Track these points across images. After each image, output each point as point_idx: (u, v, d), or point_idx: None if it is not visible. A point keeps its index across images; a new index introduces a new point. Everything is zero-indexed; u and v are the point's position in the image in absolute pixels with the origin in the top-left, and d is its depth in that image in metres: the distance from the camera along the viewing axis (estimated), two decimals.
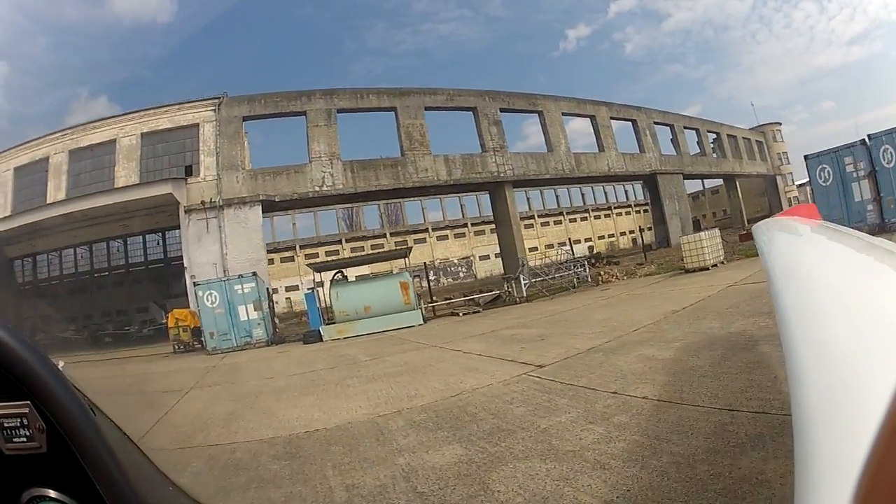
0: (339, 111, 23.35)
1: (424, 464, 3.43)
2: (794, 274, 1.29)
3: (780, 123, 42.39)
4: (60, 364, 0.70)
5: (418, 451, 3.72)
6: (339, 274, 18.95)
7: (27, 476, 0.68)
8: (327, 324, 16.82)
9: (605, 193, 51.40)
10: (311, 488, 3.35)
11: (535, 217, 45.66)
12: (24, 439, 0.65)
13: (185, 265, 22.02)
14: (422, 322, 16.14)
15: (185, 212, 21.90)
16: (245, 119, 23.02)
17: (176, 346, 18.89)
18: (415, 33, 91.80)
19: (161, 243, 33.82)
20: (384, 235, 43.24)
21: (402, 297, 17.19)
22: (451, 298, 21.30)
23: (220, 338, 17.63)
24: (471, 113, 25.16)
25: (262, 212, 22.30)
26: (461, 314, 17.42)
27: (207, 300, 18.19)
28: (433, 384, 6.07)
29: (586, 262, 21.87)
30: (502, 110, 25.36)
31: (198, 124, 22.98)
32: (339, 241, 43.44)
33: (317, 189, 22.59)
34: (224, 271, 21.32)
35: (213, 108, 23.00)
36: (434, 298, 20.54)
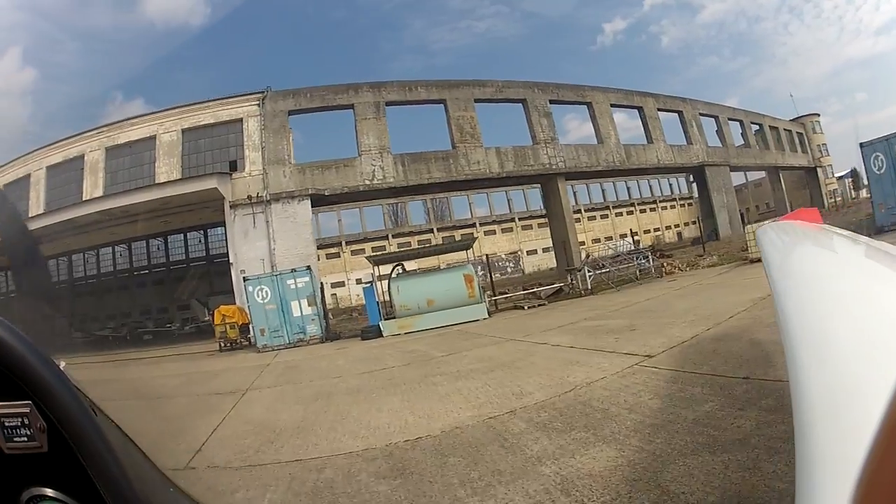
0: (388, 104, 22.47)
1: (578, 471, 2.93)
2: (796, 277, 1.28)
3: (819, 115, 41.76)
4: (62, 364, 0.67)
5: (562, 456, 3.20)
6: (399, 267, 17.98)
7: (28, 475, 0.67)
8: (387, 318, 15.95)
9: (650, 187, 50.55)
10: None
11: (582, 211, 44.65)
12: (25, 439, 0.64)
13: (230, 261, 21.04)
14: (486, 316, 15.35)
15: (231, 207, 20.94)
16: (290, 113, 22.10)
17: (222, 344, 17.88)
18: (452, 31, 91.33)
19: (203, 240, 32.78)
20: (430, 231, 42.24)
21: (467, 290, 16.29)
22: (506, 292, 20.36)
23: (272, 335, 16.66)
24: (520, 105, 24.35)
25: (312, 206, 21.27)
26: (526, 307, 16.70)
27: (258, 295, 17.25)
28: (537, 379, 5.48)
29: (650, 254, 21.10)
30: (551, 102, 24.59)
31: (241, 119, 22.10)
32: (386, 237, 42.44)
33: (367, 182, 21.65)
34: (272, 267, 20.39)
35: (257, 102, 22.13)
36: (494, 292, 19.53)
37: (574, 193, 43.00)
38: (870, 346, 0.67)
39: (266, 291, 17.27)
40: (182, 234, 32.34)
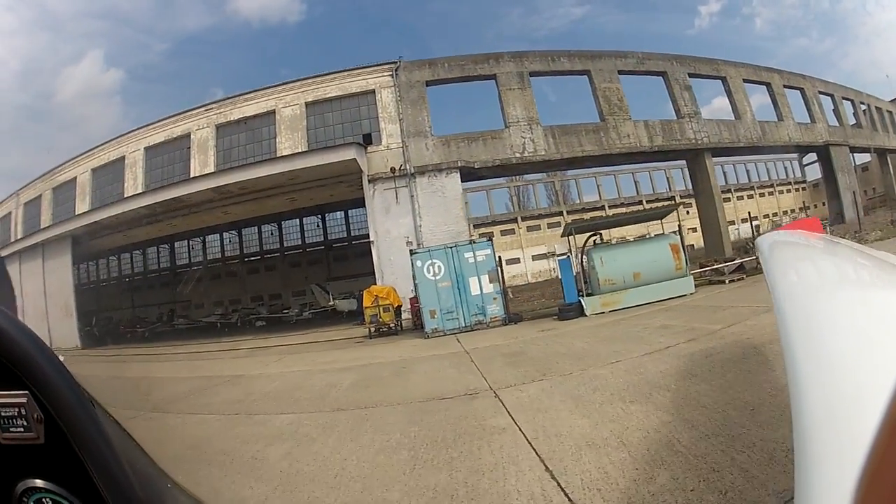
0: (532, 74, 20.28)
1: None
2: (797, 285, 1.27)
3: None
4: (61, 357, 0.65)
5: None
6: (596, 237, 15.48)
7: (23, 466, 0.65)
8: (588, 295, 13.65)
9: (767, 170, 48.73)
10: None
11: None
12: (22, 429, 0.62)
13: (371, 239, 18.41)
14: (693, 290, 13.34)
15: (370, 181, 18.29)
16: (428, 84, 19.71)
17: (373, 329, 15.46)
18: (550, 19, 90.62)
19: (321, 224, 29.84)
20: (560, 213, 39.65)
21: (674, 261, 13.86)
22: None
23: (444, 317, 14.04)
24: (659, 78, 22.44)
25: (461, 180, 18.72)
26: (727, 281, 14.89)
27: (428, 271, 14.49)
28: None
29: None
30: (690, 75, 22.73)
31: (374, 90, 19.72)
32: (515, 220, 39.51)
33: (518, 155, 19.28)
34: (418, 244, 17.77)
35: (390, 73, 19.76)
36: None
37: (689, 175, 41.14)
38: (868, 352, 0.66)
39: (439, 266, 14.63)
40: (298, 220, 29.43)
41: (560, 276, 15.02)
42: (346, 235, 30.44)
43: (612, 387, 4.97)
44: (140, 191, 20.55)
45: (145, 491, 0.66)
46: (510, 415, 4.54)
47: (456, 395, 5.73)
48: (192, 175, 19.84)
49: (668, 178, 44.30)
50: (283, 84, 20.20)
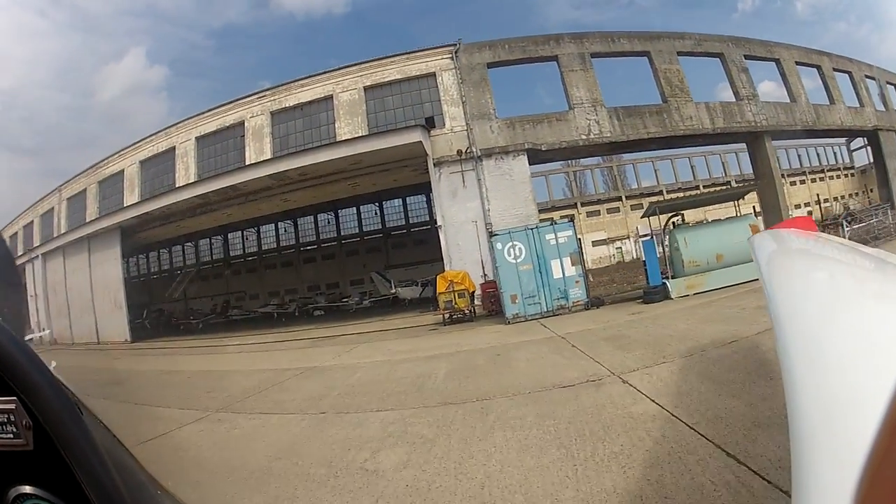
0: (593, 56, 19.76)
1: None
2: (791, 284, 1.26)
3: None
4: (52, 364, 0.66)
5: None
6: (677, 218, 14.95)
7: (13, 473, 0.65)
8: (672, 277, 13.14)
9: (817, 155, 47.82)
10: None
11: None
12: (11, 436, 0.62)
13: (438, 224, 17.83)
14: None
15: (435, 165, 17.70)
16: (489, 66, 19.18)
17: (447, 316, 14.94)
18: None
19: (379, 213, 29.15)
20: (619, 199, 39.03)
21: None
22: None
23: (525, 301, 13.44)
24: (717, 60, 21.97)
25: (528, 162, 18.13)
26: None
27: (509, 254, 13.87)
28: None
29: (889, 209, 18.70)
30: (746, 57, 22.26)
31: (434, 73, 19.17)
32: (574, 206, 38.76)
33: (583, 137, 18.72)
34: (487, 229, 17.19)
35: (450, 55, 19.24)
36: None
37: (738, 162, 40.34)
38: (865, 352, 0.65)
39: (520, 249, 14.00)
40: (355, 207, 28.78)
41: (644, 258, 14.51)
42: (404, 223, 30.00)
43: (742, 366, 4.68)
44: (193, 180, 19.88)
45: (134, 497, 0.65)
46: (653, 401, 4.14)
47: (577, 382, 5.21)
48: (247, 163, 19.21)
49: (723, 163, 43.58)
50: (340, 69, 19.63)
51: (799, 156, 48.47)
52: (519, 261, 13.71)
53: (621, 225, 38.92)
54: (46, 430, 0.61)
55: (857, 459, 0.32)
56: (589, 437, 3.54)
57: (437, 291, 15.69)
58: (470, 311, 15.10)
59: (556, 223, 14.54)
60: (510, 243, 13.86)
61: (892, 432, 0.30)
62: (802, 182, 47.76)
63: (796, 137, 26.19)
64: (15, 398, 0.61)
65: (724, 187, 32.96)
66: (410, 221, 30.18)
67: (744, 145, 24.11)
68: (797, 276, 1.35)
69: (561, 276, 13.59)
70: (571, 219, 14.97)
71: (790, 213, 22.02)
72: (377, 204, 28.01)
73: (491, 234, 14.59)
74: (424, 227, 28.43)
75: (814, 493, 0.45)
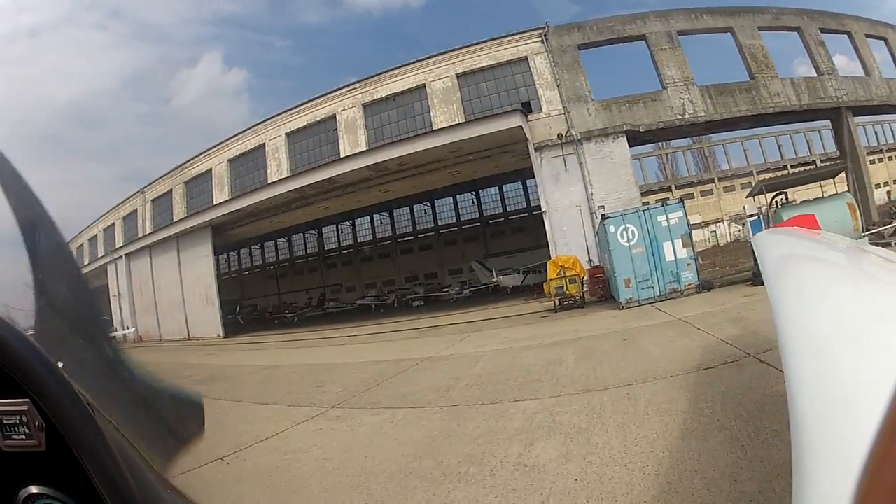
0: (679, 34, 19.60)
1: None
2: (794, 283, 1.26)
3: None
4: (60, 364, 0.65)
5: None
6: (780, 196, 14.82)
7: (25, 474, 0.65)
8: None
9: (892, 132, 46.60)
10: None
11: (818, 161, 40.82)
12: (24, 437, 0.63)
13: (543, 209, 17.74)
14: None
15: (536, 149, 17.61)
16: (580, 47, 19.02)
17: (558, 302, 14.76)
18: None
19: (476, 201, 28.99)
20: (711, 181, 38.67)
21: (852, 221, 13.19)
22: None
23: (640, 285, 13.21)
24: (794, 34, 21.79)
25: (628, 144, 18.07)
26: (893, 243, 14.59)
27: (622, 237, 13.68)
28: None
29: None
30: (822, 30, 22.08)
31: (526, 57, 19.01)
32: (668, 189, 38.16)
33: (679, 117, 18.64)
34: (591, 214, 17.12)
35: (539, 39, 19.09)
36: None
37: (808, 142, 39.85)
38: (867, 350, 0.65)
39: (632, 231, 13.73)
40: (451, 197, 28.62)
41: (751, 240, 14.37)
42: (501, 210, 29.84)
43: None
44: (286, 175, 19.76)
45: (145, 496, 0.65)
46: None
47: (716, 364, 5.02)
48: (341, 155, 19.10)
49: (808, 142, 42.65)
50: (431, 57, 19.47)
51: (876, 132, 46.31)
52: (632, 243, 13.41)
53: (715, 208, 38.11)
54: (59, 430, 0.61)
55: (857, 459, 0.32)
56: (747, 418, 3.39)
57: (548, 277, 15.62)
58: (580, 296, 14.94)
59: (667, 204, 14.29)
60: (623, 226, 13.54)
61: (892, 432, 0.30)
62: (880, 160, 45.19)
63: (875, 113, 26.07)
64: (28, 400, 0.61)
65: (811, 167, 32.54)
66: (508, 209, 30.00)
67: (826, 122, 23.98)
68: (800, 275, 1.35)
69: (673, 258, 13.27)
70: (682, 200, 14.87)
71: (873, 192, 22.00)
72: (474, 192, 27.81)
73: (603, 217, 14.36)
74: (522, 215, 28.48)
75: (814, 493, 0.45)
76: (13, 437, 0.63)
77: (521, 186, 28.55)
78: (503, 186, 29.07)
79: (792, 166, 40.74)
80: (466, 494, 2.93)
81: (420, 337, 13.44)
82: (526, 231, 27.46)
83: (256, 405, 6.57)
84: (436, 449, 3.81)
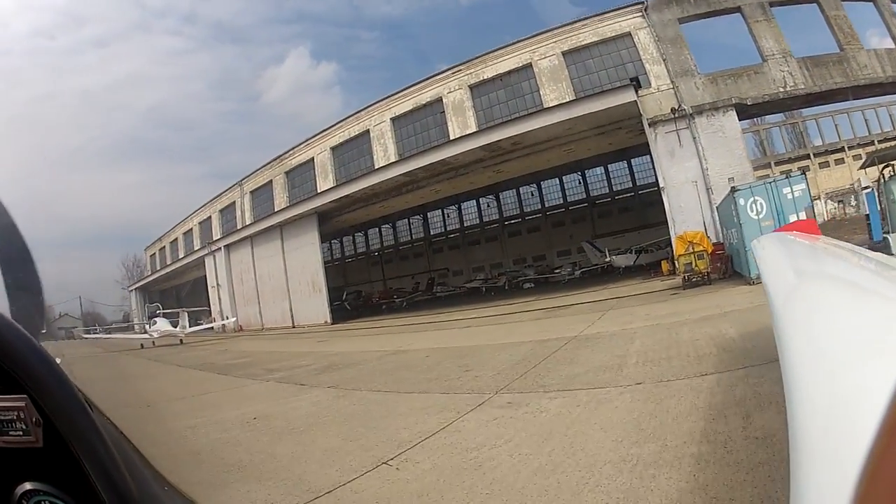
0: (770, 4, 19.70)
1: None
2: (792, 286, 1.26)
3: None
4: (58, 360, 0.65)
5: None
6: (888, 168, 14.89)
7: (21, 470, 0.64)
8: (890, 232, 12.68)
9: None
10: None
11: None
12: (21, 433, 0.62)
13: (660, 185, 17.83)
14: None
15: (650, 125, 17.70)
16: (680, 21, 19.04)
17: (687, 279, 14.57)
18: None
19: (582, 182, 28.83)
20: (808, 156, 38.22)
21: None
22: None
23: None
24: (870, 4, 21.98)
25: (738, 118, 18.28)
26: None
27: (751, 209, 13.69)
28: None
29: None
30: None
31: (629, 33, 18.94)
32: (768, 165, 37.38)
33: (781, 90, 18.82)
34: (707, 190, 17.29)
35: (640, 14, 19.03)
36: None
37: (852, 126, 39.50)
38: (865, 354, 0.65)
39: (761, 204, 13.59)
40: (557, 179, 28.41)
41: (867, 213, 14.22)
42: (607, 191, 29.57)
43: None
44: (393, 160, 19.62)
45: (142, 492, 0.65)
46: None
47: None
48: (451, 137, 19.01)
49: (891, 117, 42.17)
50: (535, 36, 19.34)
51: None
52: (761, 216, 13.04)
53: (812, 184, 37.59)
54: (56, 427, 0.61)
55: (855, 460, 0.32)
56: None
57: (676, 254, 15.61)
58: (707, 273, 14.64)
59: (791, 176, 14.11)
60: (752, 198, 13.25)
61: (890, 435, 0.30)
62: None
63: None
64: (25, 395, 0.61)
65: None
66: (613, 189, 29.69)
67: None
68: (798, 279, 1.35)
69: None
70: (804, 171, 15.02)
71: None
72: (580, 173, 27.68)
73: (733, 189, 14.26)
74: (628, 195, 28.44)
75: (812, 493, 0.46)
76: (10, 433, 0.62)
77: (627, 166, 28.51)
78: (608, 166, 28.94)
79: (879, 142, 38.92)
80: (716, 473, 2.59)
81: (549, 317, 12.76)
82: (632, 211, 27.53)
83: (402, 395, 5.77)
84: (648, 431, 3.39)
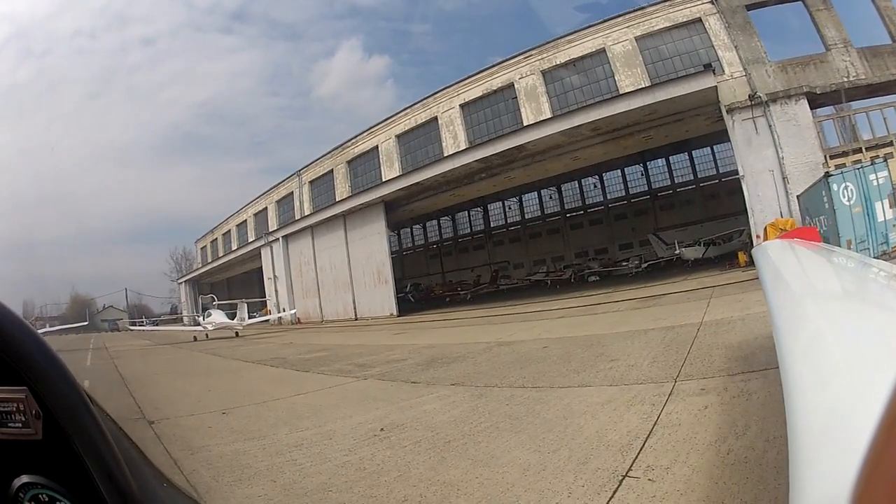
0: None
1: None
2: (792, 292, 1.26)
3: None
4: (59, 353, 0.63)
5: None
6: None
7: (20, 462, 0.63)
8: None
9: None
10: None
11: None
12: (20, 425, 0.60)
13: (740, 174, 17.40)
14: None
15: (727, 112, 17.18)
16: (748, 8, 18.49)
17: None
18: None
19: (644, 173, 27.79)
20: (860, 150, 37.84)
21: None
22: None
23: (858, 247, 12.61)
24: None
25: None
26: None
27: (844, 196, 13.46)
28: None
29: None
30: None
31: (699, 18, 18.29)
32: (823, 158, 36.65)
33: (845, 79, 18.55)
34: (783, 179, 16.97)
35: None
36: None
37: (870, 125, 40.06)
38: (862, 357, 0.65)
39: (851, 190, 13.31)
40: (619, 171, 27.34)
41: None
42: (669, 183, 28.56)
43: None
44: (464, 147, 18.52)
45: (141, 489, 0.63)
46: None
47: None
48: (524, 124, 18.03)
49: None
50: (605, 21, 18.45)
51: None
52: (851, 203, 12.86)
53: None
54: (56, 419, 0.59)
55: (854, 459, 0.31)
56: None
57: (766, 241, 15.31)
58: None
59: (875, 162, 14.01)
60: (843, 184, 12.99)
61: (888, 435, 0.30)
62: None
63: None
64: (25, 388, 0.58)
65: None
66: (676, 181, 28.47)
67: None
68: (798, 284, 1.36)
69: (883, 219, 12.73)
70: (886, 158, 14.79)
71: None
72: (642, 165, 26.84)
73: (826, 175, 14.01)
74: (689, 187, 27.66)
75: (812, 492, 0.45)
76: (9, 424, 0.59)
77: (688, 158, 27.73)
78: (670, 158, 28.03)
79: None
80: None
81: (649, 307, 11.58)
82: (694, 204, 26.89)
83: (557, 389, 4.78)
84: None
